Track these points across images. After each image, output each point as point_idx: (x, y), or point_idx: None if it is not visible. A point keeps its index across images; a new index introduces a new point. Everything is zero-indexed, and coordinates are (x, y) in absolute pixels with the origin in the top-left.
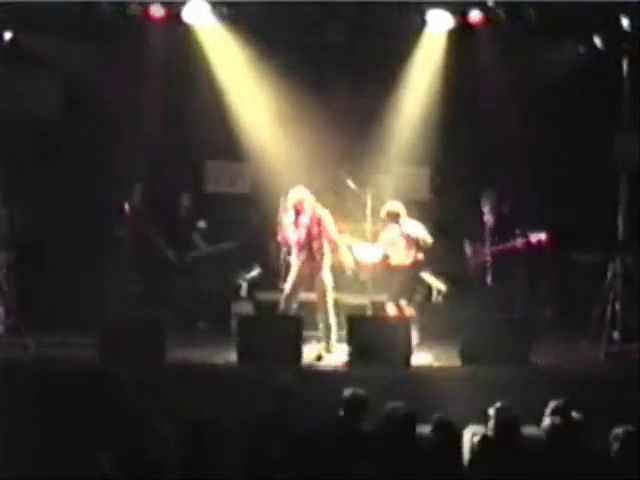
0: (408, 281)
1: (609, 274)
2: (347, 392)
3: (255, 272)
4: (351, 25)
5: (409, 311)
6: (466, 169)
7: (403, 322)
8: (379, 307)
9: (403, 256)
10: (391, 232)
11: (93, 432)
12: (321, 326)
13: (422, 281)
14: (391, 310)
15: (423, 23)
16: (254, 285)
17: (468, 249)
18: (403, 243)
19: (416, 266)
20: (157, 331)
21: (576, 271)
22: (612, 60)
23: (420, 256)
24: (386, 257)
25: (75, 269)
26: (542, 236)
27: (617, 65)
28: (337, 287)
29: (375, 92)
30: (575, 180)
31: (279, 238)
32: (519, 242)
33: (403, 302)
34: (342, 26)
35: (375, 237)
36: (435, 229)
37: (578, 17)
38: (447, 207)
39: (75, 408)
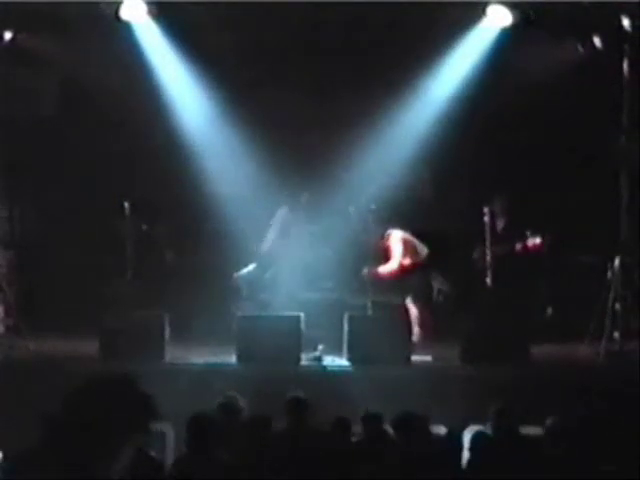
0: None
1: (609, 274)
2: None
3: (250, 268)
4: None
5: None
6: (469, 169)
7: (403, 322)
8: (381, 306)
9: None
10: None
11: (93, 432)
12: None
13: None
14: (412, 310)
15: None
16: (253, 283)
17: (476, 251)
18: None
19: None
20: (157, 331)
21: (576, 271)
22: (612, 60)
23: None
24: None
25: (75, 269)
26: (537, 240)
27: (617, 65)
28: (337, 287)
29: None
30: (575, 180)
31: None
32: (518, 245)
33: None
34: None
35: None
36: (437, 229)
37: (578, 17)
38: (450, 207)
39: (75, 408)
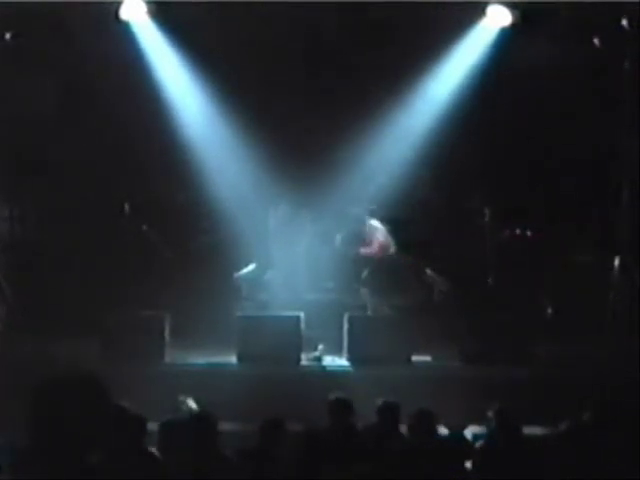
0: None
1: (609, 274)
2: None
3: (250, 268)
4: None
5: None
6: (469, 169)
7: (403, 322)
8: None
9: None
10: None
11: (93, 432)
12: None
13: (423, 280)
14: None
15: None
16: (253, 283)
17: (476, 250)
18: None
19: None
20: (157, 331)
21: (576, 271)
22: (612, 60)
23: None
24: None
25: (75, 269)
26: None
27: (617, 65)
28: (337, 287)
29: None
30: (575, 180)
31: None
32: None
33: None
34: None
35: None
36: (437, 229)
37: (578, 17)
38: (450, 207)
39: (75, 408)
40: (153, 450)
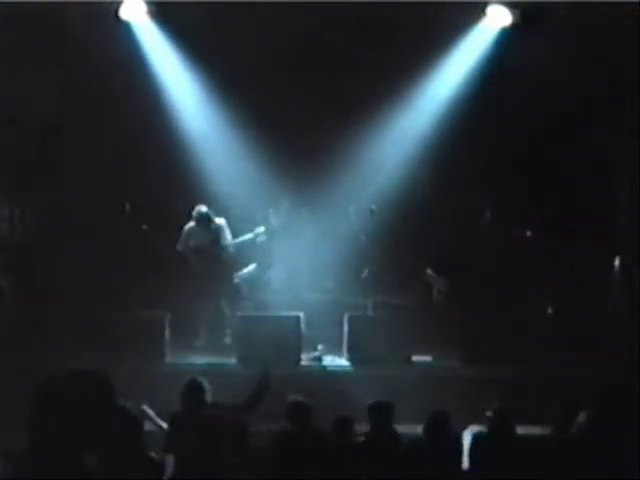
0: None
1: (609, 274)
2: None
3: (250, 268)
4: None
5: None
6: (469, 169)
7: (403, 322)
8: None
9: None
10: None
11: (93, 433)
12: None
13: (423, 280)
14: None
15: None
16: (253, 283)
17: (476, 250)
18: None
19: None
20: (157, 331)
21: (576, 271)
22: (612, 59)
23: None
24: None
25: (75, 269)
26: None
27: (617, 64)
28: (338, 287)
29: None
30: (575, 180)
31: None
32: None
33: None
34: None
35: None
36: (437, 228)
37: (578, 17)
38: (450, 207)
39: (75, 409)
40: (151, 454)
